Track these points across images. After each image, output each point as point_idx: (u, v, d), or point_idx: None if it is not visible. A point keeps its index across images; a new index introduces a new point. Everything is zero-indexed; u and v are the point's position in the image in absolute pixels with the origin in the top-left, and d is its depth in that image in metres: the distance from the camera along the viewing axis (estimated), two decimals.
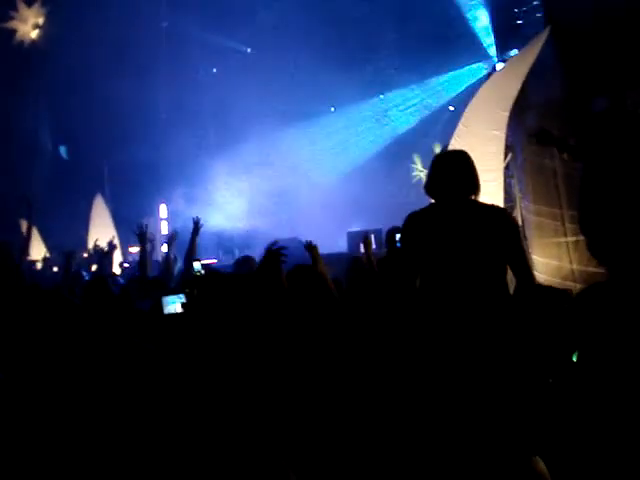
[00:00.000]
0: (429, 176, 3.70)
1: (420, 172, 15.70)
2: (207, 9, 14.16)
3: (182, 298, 4.64)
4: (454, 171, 3.60)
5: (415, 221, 3.60)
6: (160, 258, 8.46)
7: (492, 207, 3.67)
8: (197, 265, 7.68)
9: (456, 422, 3.21)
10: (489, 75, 9.85)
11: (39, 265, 10.79)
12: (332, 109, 15.55)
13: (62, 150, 14.57)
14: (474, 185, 3.61)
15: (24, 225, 11.19)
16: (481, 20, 11.65)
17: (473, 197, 3.59)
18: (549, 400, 3.19)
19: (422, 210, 3.65)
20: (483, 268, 3.43)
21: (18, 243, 9.23)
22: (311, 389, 3.41)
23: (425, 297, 3.47)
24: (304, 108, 14.12)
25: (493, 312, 3.38)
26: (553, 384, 3.27)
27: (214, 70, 15.52)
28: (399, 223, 3.79)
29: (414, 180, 15.55)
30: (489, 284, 3.43)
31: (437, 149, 15.29)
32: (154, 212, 15.00)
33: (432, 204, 3.65)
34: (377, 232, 11.98)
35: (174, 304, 4.65)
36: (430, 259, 3.49)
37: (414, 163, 15.68)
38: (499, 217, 3.56)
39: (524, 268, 3.53)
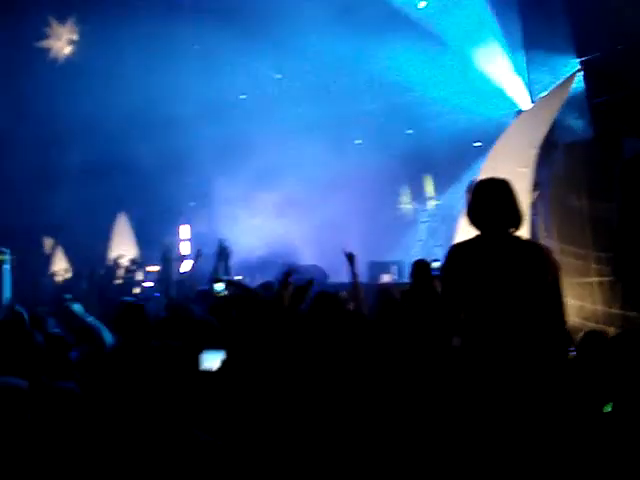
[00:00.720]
0: (472, 204, 3.62)
1: (407, 205, 15.75)
2: (238, 33, 14.28)
3: (222, 354, 4.19)
4: (499, 202, 3.54)
5: (459, 254, 3.54)
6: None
7: (536, 245, 3.64)
8: (219, 286, 7.65)
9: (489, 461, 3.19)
10: (518, 113, 9.87)
11: (59, 278, 10.87)
12: (359, 141, 15.52)
13: None
14: (518, 218, 3.57)
15: (48, 243, 11.34)
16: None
17: (515, 230, 3.56)
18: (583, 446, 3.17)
19: (466, 242, 3.58)
20: (527, 307, 3.40)
21: (40, 260, 9.39)
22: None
23: (471, 335, 3.44)
24: (332, 138, 14.18)
25: (537, 355, 3.35)
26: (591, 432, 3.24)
27: (243, 97, 15.59)
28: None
29: (399, 213, 15.56)
30: (533, 324, 3.40)
31: (428, 181, 15.37)
32: (176, 233, 15.05)
33: (476, 237, 3.59)
34: (399, 263, 12.04)
35: (212, 361, 4.16)
36: (475, 296, 3.45)
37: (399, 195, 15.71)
38: (543, 257, 3.50)
39: (558, 311, 3.52)
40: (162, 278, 8.09)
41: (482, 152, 11.03)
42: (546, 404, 3.29)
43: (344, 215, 14.09)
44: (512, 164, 7.80)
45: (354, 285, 5.76)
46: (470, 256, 3.51)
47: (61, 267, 11.13)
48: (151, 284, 11.00)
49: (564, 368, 3.51)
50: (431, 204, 15.48)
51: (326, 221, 13.92)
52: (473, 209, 3.63)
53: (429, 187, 15.63)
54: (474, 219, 3.61)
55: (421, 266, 6.09)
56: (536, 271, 3.41)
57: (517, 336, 3.36)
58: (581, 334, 4.54)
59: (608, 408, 3.48)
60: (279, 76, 15.49)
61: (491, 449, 3.22)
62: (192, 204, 15.24)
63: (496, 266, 3.43)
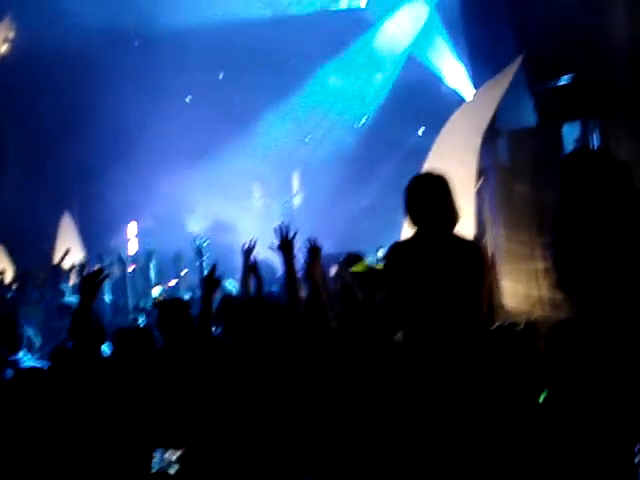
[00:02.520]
0: (409, 201, 3.65)
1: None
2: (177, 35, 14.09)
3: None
4: (435, 200, 3.57)
5: (399, 253, 3.60)
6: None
7: (472, 244, 3.72)
8: (156, 291, 7.49)
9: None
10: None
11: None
12: (306, 139, 15.46)
13: None
14: (454, 216, 3.62)
15: None
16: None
17: (452, 228, 3.58)
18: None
19: (406, 242, 3.67)
20: (460, 305, 3.48)
21: None
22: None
23: (410, 332, 3.47)
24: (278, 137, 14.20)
25: (473, 353, 3.39)
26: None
27: (187, 99, 15.36)
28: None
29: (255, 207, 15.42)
30: (468, 324, 3.43)
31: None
32: (123, 230, 14.81)
33: (415, 235, 3.62)
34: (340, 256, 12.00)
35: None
36: (413, 294, 3.50)
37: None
38: (479, 256, 3.61)
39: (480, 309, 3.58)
40: None
41: None
42: (481, 395, 3.33)
43: None
44: (457, 151, 7.83)
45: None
46: (408, 255, 3.58)
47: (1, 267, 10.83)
48: None
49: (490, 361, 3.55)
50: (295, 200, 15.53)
51: None
52: (410, 207, 3.66)
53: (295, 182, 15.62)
54: (412, 217, 3.66)
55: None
56: (471, 271, 3.48)
57: (450, 332, 3.42)
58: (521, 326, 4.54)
59: (542, 397, 3.53)
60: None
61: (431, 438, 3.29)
62: (141, 201, 15.00)
63: (432, 266, 3.50)
